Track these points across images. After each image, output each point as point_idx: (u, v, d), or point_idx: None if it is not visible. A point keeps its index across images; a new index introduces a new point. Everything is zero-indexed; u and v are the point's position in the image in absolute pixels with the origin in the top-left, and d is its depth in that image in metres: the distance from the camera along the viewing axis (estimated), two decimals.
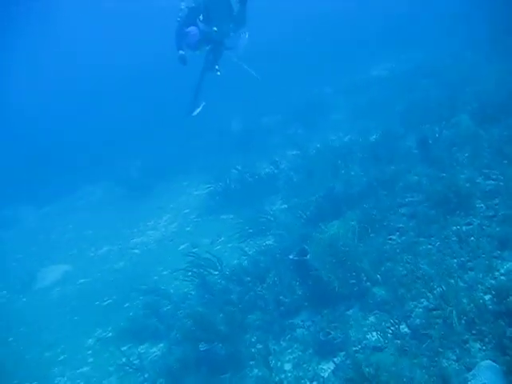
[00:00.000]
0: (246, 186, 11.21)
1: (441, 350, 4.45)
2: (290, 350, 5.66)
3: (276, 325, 6.05)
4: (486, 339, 4.34)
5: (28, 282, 11.32)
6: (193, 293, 7.83)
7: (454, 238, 5.82)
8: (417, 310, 5.08)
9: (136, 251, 11.23)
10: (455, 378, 4.11)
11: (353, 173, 8.73)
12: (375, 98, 13.88)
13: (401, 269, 5.69)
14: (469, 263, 5.35)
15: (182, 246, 10.27)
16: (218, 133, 16.64)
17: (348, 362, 4.94)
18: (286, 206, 9.73)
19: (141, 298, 8.60)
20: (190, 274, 7.93)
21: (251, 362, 5.76)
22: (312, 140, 12.71)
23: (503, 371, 3.93)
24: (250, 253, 8.24)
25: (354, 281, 5.77)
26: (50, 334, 8.73)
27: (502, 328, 4.22)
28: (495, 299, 4.58)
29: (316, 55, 19.77)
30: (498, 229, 5.65)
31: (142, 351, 7.21)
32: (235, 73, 8.06)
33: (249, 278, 7.05)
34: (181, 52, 7.10)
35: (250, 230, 9.18)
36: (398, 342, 4.83)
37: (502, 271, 5.03)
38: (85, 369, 7.43)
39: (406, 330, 4.93)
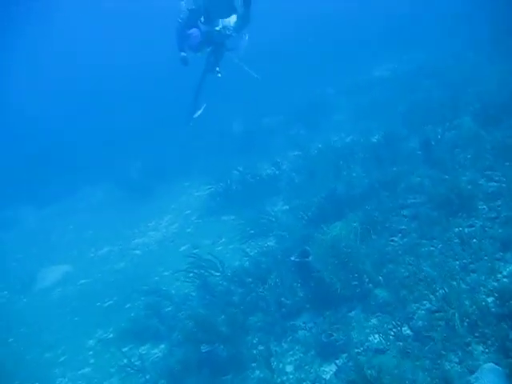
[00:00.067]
0: (248, 186, 11.19)
1: (443, 352, 4.43)
2: (291, 352, 5.64)
3: (278, 326, 6.03)
4: (489, 342, 4.32)
5: (28, 282, 11.32)
6: (194, 294, 7.82)
7: (457, 240, 5.80)
8: (419, 312, 5.07)
9: (137, 252, 11.23)
10: (458, 381, 4.10)
11: (355, 174, 8.72)
12: (377, 98, 13.85)
13: (403, 270, 5.68)
14: (471, 265, 5.33)
15: (183, 247, 10.26)
16: (219, 134, 16.60)
17: (350, 364, 4.92)
18: (287, 207, 9.71)
19: (142, 298, 8.59)
20: (191, 275, 7.92)
21: (253, 364, 5.74)
22: (314, 141, 12.68)
23: (506, 374, 3.91)
24: (251, 254, 8.22)
25: (356, 282, 5.76)
26: (50, 335, 8.72)
27: (505, 331, 4.20)
28: (498, 301, 4.56)
29: (318, 55, 19.73)
30: (500, 231, 5.64)
31: (144, 352, 7.20)
32: (236, 74, 8.04)
33: (250, 280, 7.04)
34: (183, 54, 7.11)
35: (252, 231, 9.17)
36: (401, 344, 4.81)
37: (505, 273, 5.01)
38: (86, 370, 7.42)
39: (409, 332, 4.91)
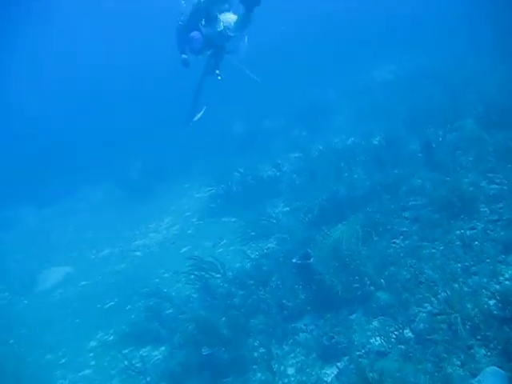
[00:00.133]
0: (248, 188, 11.16)
1: (445, 355, 4.42)
2: (292, 355, 5.63)
3: (279, 329, 6.02)
4: (491, 345, 4.32)
5: (29, 283, 11.29)
6: (195, 296, 7.80)
7: (458, 243, 5.80)
8: (421, 314, 5.05)
9: (138, 253, 11.21)
10: None
11: (356, 176, 8.70)
12: (378, 100, 13.81)
13: (404, 273, 5.67)
14: (473, 268, 5.33)
15: (183, 249, 10.25)
16: (219, 135, 16.57)
17: (351, 366, 4.91)
18: (288, 208, 9.69)
19: (142, 300, 8.57)
20: (192, 277, 7.89)
21: (254, 366, 5.72)
22: (314, 142, 12.66)
23: (508, 377, 3.90)
24: (252, 256, 8.19)
25: (357, 285, 5.75)
26: (51, 337, 8.71)
27: (507, 333, 4.19)
28: (500, 304, 4.56)
29: (318, 56, 19.73)
30: (502, 233, 5.63)
31: (144, 354, 7.19)
32: (236, 76, 8.04)
33: (251, 282, 7.03)
34: (184, 56, 7.11)
35: (253, 233, 9.15)
36: (402, 347, 4.80)
37: (507, 276, 5.00)
38: (87, 372, 7.41)
39: (410, 334, 4.90)
